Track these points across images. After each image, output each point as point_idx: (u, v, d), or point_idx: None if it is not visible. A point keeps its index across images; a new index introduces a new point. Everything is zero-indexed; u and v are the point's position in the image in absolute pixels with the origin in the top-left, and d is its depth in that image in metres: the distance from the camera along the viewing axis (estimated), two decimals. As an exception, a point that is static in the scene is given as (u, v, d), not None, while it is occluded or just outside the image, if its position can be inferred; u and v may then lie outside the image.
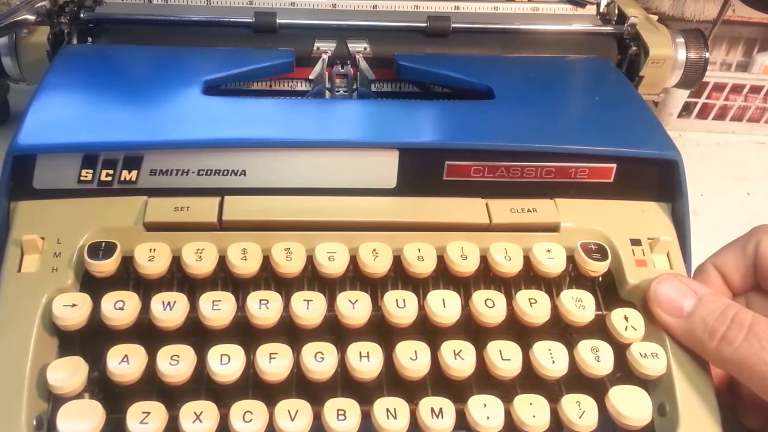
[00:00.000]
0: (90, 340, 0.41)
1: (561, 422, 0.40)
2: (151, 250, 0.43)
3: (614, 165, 0.47)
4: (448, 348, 0.41)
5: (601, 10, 0.64)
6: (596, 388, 0.42)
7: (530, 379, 0.42)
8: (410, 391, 0.41)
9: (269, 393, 0.40)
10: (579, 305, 0.43)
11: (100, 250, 0.42)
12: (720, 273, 0.44)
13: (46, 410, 0.39)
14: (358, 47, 0.59)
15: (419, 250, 0.44)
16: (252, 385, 0.41)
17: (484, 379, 0.42)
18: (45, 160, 0.44)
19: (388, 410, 0.39)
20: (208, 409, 0.38)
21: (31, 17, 0.56)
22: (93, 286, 0.42)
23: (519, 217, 0.46)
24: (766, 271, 0.42)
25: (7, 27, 0.55)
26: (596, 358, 0.41)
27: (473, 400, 0.40)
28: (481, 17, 0.63)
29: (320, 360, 0.40)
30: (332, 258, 0.43)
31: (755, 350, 0.37)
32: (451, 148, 0.46)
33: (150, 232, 0.44)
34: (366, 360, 0.40)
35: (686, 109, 0.81)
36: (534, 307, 0.42)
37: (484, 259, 0.44)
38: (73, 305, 0.40)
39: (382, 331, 0.43)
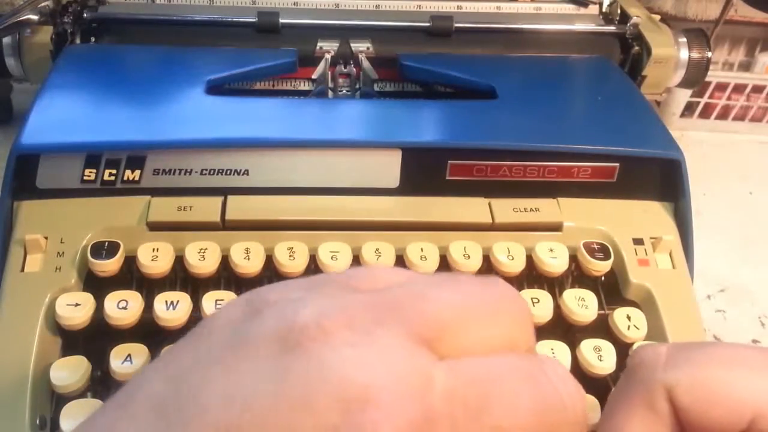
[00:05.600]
0: (93, 340, 0.41)
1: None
2: (154, 249, 0.43)
3: (617, 164, 0.47)
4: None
5: (604, 10, 0.64)
6: (599, 388, 0.42)
7: (533, 379, 0.42)
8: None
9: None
10: (581, 304, 0.43)
11: (104, 249, 0.42)
12: None
13: (50, 409, 0.39)
14: (361, 47, 0.59)
15: (422, 249, 0.44)
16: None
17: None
18: (48, 160, 0.44)
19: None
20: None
21: (35, 17, 0.56)
22: (96, 285, 0.42)
23: (522, 217, 0.46)
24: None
25: (11, 27, 0.55)
26: (599, 358, 0.41)
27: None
28: (484, 17, 0.63)
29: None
30: (335, 257, 0.43)
31: None
32: (453, 147, 0.46)
33: (153, 232, 0.44)
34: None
35: (688, 109, 0.81)
36: (536, 306, 0.42)
37: (486, 259, 0.44)
38: (77, 305, 0.40)
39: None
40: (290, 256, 0.43)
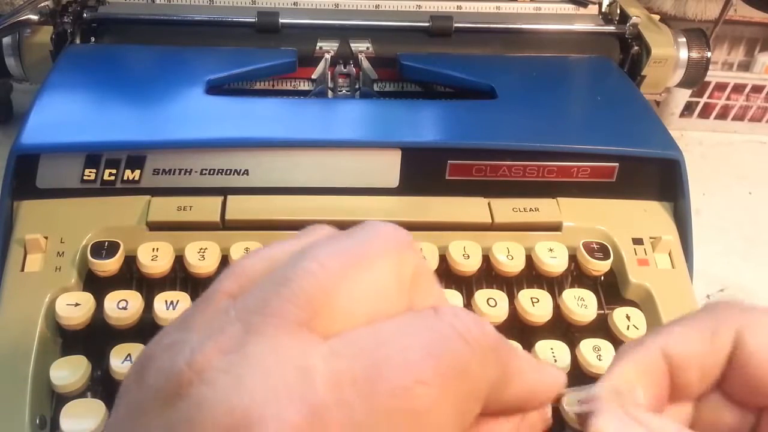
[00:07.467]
0: (93, 339, 0.41)
1: (563, 421, 0.40)
2: (154, 249, 0.43)
3: (616, 164, 0.47)
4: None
5: (603, 10, 0.64)
6: (598, 387, 0.42)
7: (532, 378, 0.42)
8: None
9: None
10: (581, 304, 0.43)
11: (104, 249, 0.42)
12: (672, 367, 0.25)
13: (49, 409, 0.39)
14: (361, 47, 0.59)
15: (421, 249, 0.44)
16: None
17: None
18: (48, 160, 0.44)
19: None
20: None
21: (35, 17, 0.56)
22: (96, 285, 0.42)
23: (521, 217, 0.46)
24: (755, 379, 0.24)
25: (11, 27, 0.55)
26: (598, 357, 0.41)
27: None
28: (484, 17, 0.63)
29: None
30: (335, 257, 0.43)
31: None
32: (453, 147, 0.47)
33: (153, 232, 0.44)
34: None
35: (688, 109, 0.81)
36: (536, 306, 0.43)
37: (486, 259, 0.45)
38: (77, 304, 0.40)
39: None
40: (290, 255, 0.43)
